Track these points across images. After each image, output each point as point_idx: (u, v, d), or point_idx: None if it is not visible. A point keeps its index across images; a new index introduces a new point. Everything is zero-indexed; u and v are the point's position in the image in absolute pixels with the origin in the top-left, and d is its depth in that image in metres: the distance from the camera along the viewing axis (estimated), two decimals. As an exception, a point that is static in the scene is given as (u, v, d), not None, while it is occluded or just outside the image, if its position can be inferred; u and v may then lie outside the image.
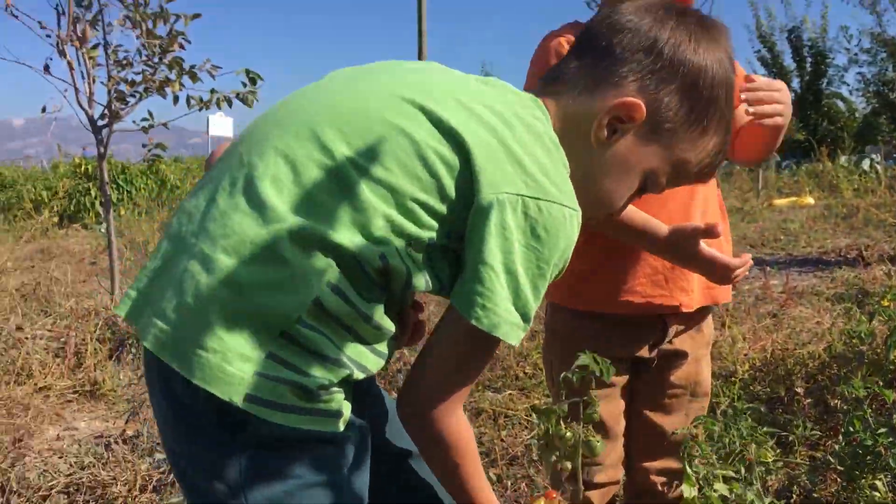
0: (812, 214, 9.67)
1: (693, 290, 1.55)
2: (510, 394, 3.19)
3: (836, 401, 2.79)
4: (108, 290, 4.76)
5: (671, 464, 1.64)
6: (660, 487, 1.67)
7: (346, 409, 0.98)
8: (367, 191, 0.93)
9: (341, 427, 0.97)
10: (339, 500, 0.98)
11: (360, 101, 1.01)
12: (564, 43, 1.50)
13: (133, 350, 3.92)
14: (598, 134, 1.07)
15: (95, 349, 3.78)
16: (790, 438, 2.59)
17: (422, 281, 0.99)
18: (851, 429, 2.24)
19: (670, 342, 1.62)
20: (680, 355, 1.63)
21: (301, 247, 0.92)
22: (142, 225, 10.23)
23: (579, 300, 1.56)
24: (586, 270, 1.49)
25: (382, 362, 1.00)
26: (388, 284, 0.97)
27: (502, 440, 2.78)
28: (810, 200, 10.61)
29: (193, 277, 0.93)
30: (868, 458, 2.12)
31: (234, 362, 0.91)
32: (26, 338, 4.17)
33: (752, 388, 3.18)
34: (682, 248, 1.43)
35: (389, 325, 0.99)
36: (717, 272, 1.45)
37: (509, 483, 2.45)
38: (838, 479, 2.23)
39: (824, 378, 3.08)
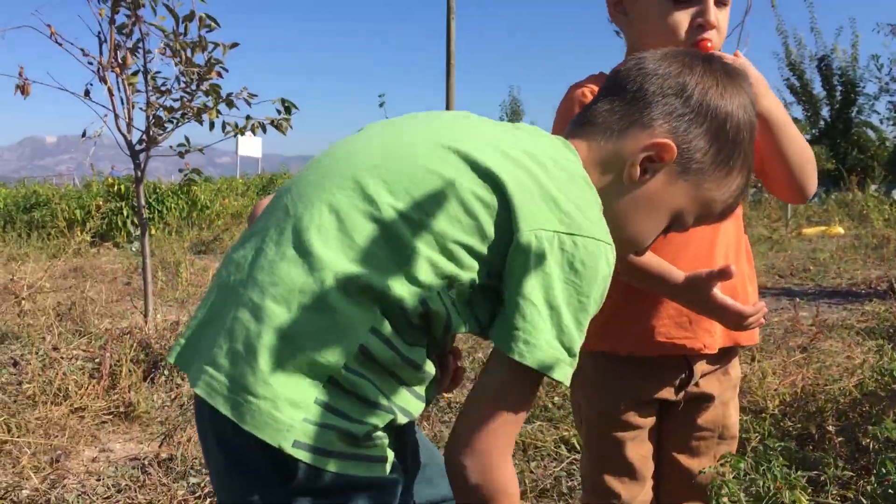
0: (842, 244, 9.61)
1: (716, 332, 1.56)
2: (539, 425, 3.20)
3: (867, 440, 2.78)
4: (142, 312, 4.84)
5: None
6: None
7: (391, 453, 1.01)
8: (409, 236, 0.97)
9: (388, 471, 1.00)
10: None
11: (400, 149, 1.05)
12: (588, 94, 1.52)
13: (166, 372, 3.98)
14: (630, 173, 1.12)
15: (130, 370, 3.84)
16: (822, 478, 2.58)
17: (461, 323, 1.02)
18: (884, 469, 2.24)
19: (696, 384, 1.62)
20: (707, 398, 1.63)
21: (347, 294, 0.95)
22: (172, 245, 10.40)
23: (604, 342, 1.54)
24: (610, 312, 1.50)
25: (423, 406, 1.03)
26: (429, 328, 1.00)
27: (531, 472, 2.80)
28: (840, 230, 10.54)
29: (243, 325, 0.97)
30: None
31: (283, 409, 0.93)
32: (62, 358, 4.25)
33: (782, 423, 3.17)
34: (697, 293, 1.44)
35: (431, 370, 1.02)
36: (731, 318, 1.46)
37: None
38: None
39: (855, 416, 3.06)
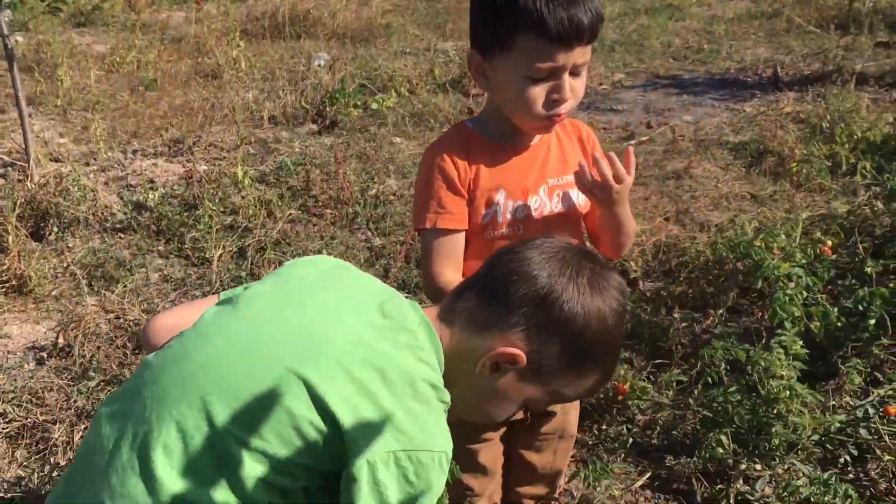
0: (739, 12, 9.62)
1: None
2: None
3: (708, 321, 3.12)
4: (22, 145, 4.65)
5: (540, 490, 1.95)
6: None
7: None
8: (245, 460, 1.08)
9: None
10: None
11: (252, 367, 1.13)
12: (449, 161, 1.57)
13: (55, 229, 3.98)
14: (482, 370, 1.23)
15: (17, 228, 3.83)
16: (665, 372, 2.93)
17: None
18: (710, 380, 2.58)
19: None
20: (550, 413, 1.86)
21: None
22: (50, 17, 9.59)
23: None
24: None
25: None
26: None
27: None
28: (740, -10, 10.46)
29: None
30: (717, 415, 2.47)
31: None
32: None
33: (640, 286, 3.49)
34: None
35: None
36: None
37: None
38: (696, 426, 2.58)
39: (705, 284, 3.39)
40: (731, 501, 2.25)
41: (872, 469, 2.43)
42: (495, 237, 1.64)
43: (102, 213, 4.18)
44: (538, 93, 1.53)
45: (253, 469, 1.08)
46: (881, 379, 2.64)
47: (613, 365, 1.31)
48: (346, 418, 1.09)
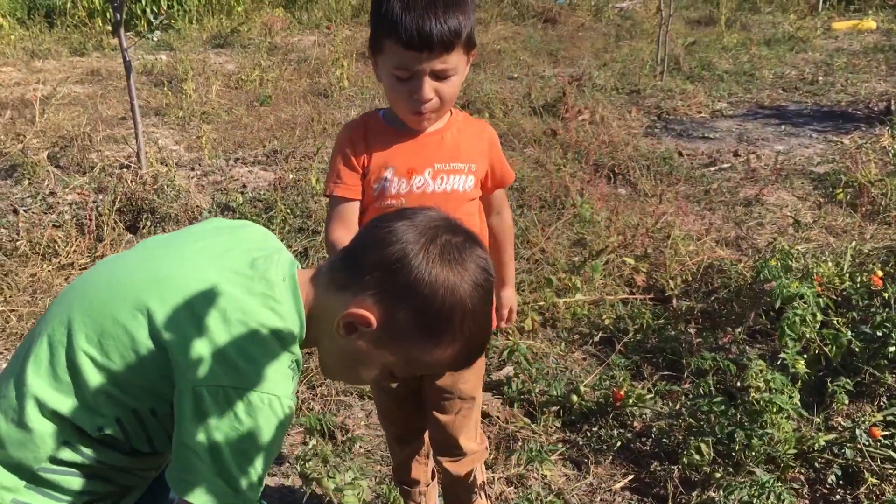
0: (867, 44, 9.27)
1: None
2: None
3: (725, 339, 3.13)
4: (135, 151, 5.16)
5: (454, 459, 2.11)
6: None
7: None
8: (93, 373, 1.25)
9: None
10: None
11: (108, 298, 1.30)
12: (349, 141, 1.85)
13: (149, 223, 4.41)
14: (337, 330, 1.26)
15: (115, 221, 4.29)
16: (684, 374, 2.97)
17: (141, 444, 1.31)
18: (701, 391, 2.61)
19: None
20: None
21: (42, 415, 1.26)
22: (192, 34, 10.47)
23: None
24: None
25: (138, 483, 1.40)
26: (114, 444, 1.29)
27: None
28: (872, 24, 10.07)
29: None
30: (701, 422, 2.51)
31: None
32: (58, 202, 4.71)
33: (681, 304, 3.52)
34: None
35: (147, 463, 1.35)
36: None
37: (421, 404, 2.93)
38: (683, 434, 2.62)
39: (737, 306, 3.38)
40: (694, 505, 2.28)
41: (862, 493, 2.39)
42: (383, 207, 1.82)
43: (192, 212, 4.59)
44: (401, 91, 1.73)
45: (99, 383, 1.24)
46: (884, 405, 2.59)
47: (477, 339, 1.28)
48: (177, 348, 1.21)
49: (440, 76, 1.70)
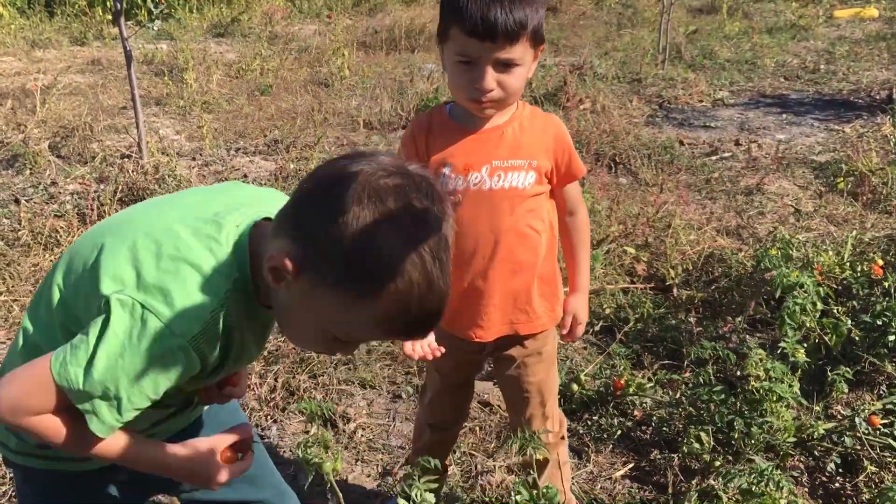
0: (868, 33, 9.24)
1: (489, 326, 1.93)
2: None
3: (726, 328, 3.14)
4: (136, 140, 5.16)
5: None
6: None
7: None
8: (58, 306, 1.29)
9: (84, 468, 1.40)
10: None
11: (84, 240, 1.34)
12: (411, 135, 1.89)
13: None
14: (267, 277, 1.17)
15: (116, 210, 4.29)
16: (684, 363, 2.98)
17: None
18: (701, 380, 2.62)
19: (499, 353, 2.03)
20: (509, 360, 2.03)
21: (27, 354, 1.29)
22: (193, 23, 10.45)
23: None
24: None
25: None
26: None
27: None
28: (874, 12, 10.03)
29: None
30: (701, 411, 2.52)
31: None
32: (59, 192, 4.72)
33: (682, 293, 3.52)
34: None
35: None
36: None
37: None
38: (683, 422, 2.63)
39: (737, 295, 3.39)
40: (693, 495, 2.29)
41: (861, 480, 2.41)
42: None
43: (193, 201, 4.59)
44: (463, 78, 1.73)
45: (63, 315, 1.28)
46: (884, 393, 2.60)
47: (416, 301, 1.12)
48: (105, 269, 1.21)
49: (503, 67, 1.70)
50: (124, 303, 1.17)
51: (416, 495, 1.77)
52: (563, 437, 2.19)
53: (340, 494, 2.03)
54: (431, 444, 2.22)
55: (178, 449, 1.34)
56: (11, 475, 2.05)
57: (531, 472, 1.85)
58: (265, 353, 3.12)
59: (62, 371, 1.18)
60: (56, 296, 1.30)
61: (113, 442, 1.26)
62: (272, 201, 1.38)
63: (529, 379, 2.04)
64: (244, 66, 8.01)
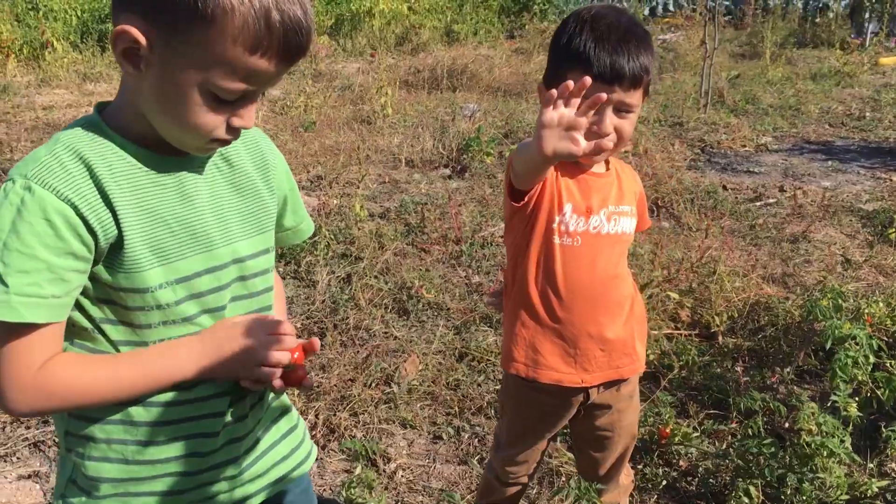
0: (915, 80, 9.18)
1: (594, 369, 1.90)
2: (478, 329, 3.60)
3: (773, 378, 3.08)
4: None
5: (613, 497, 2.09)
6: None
7: None
8: None
9: None
10: None
11: None
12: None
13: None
14: (123, 67, 1.10)
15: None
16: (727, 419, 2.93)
17: None
18: (749, 431, 2.57)
19: (597, 398, 1.99)
20: (604, 407, 2.00)
21: None
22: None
23: (520, 368, 1.90)
24: (525, 345, 1.89)
25: None
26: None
27: (478, 385, 3.23)
28: (920, 60, 9.96)
29: None
30: (750, 464, 2.46)
31: None
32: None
33: (727, 341, 3.47)
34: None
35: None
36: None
37: (465, 437, 2.92)
38: (731, 475, 2.58)
39: (785, 345, 3.33)
40: (743, 549, 2.24)
41: (916, 543, 2.33)
42: (552, 243, 1.82)
43: (238, 235, 4.65)
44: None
45: None
46: (941, 452, 2.53)
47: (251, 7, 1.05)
48: None
49: (622, 112, 1.72)
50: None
51: None
52: (632, 481, 2.18)
53: (385, 536, 2.03)
54: (502, 501, 2.19)
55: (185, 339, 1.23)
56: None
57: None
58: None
59: None
60: None
61: (61, 369, 1.14)
62: None
63: (622, 423, 2.03)
64: (289, 102, 8.15)
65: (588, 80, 1.44)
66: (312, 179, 5.85)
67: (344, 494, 2.05)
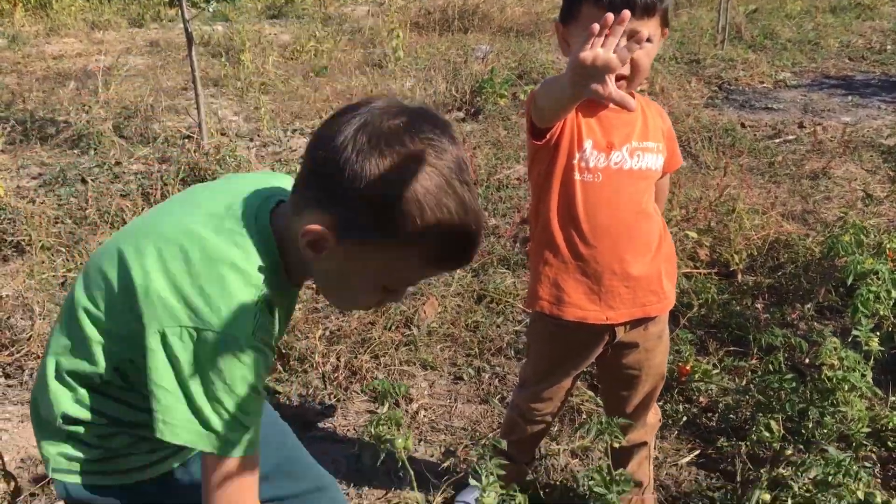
0: (939, 11, 8.96)
1: (620, 307, 1.89)
2: (496, 271, 3.60)
3: (794, 315, 3.07)
4: (196, 121, 5.23)
5: (639, 435, 2.12)
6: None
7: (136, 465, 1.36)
8: (86, 324, 1.24)
9: (133, 479, 1.37)
10: None
11: (102, 250, 1.30)
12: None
13: (210, 192, 4.47)
14: (305, 254, 1.18)
15: (178, 191, 4.36)
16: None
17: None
18: (770, 367, 2.57)
19: (624, 337, 1.98)
20: (630, 345, 2.00)
21: (56, 377, 1.30)
22: (247, 4, 10.52)
23: (546, 306, 1.90)
24: (549, 283, 1.88)
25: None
26: (119, 395, 1.30)
27: (497, 326, 3.24)
28: (944, -10, 9.70)
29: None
30: (770, 399, 2.47)
31: (44, 448, 1.34)
32: (123, 172, 4.80)
33: (747, 279, 3.46)
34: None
35: (138, 418, 1.31)
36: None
37: (486, 377, 2.95)
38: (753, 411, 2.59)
39: (805, 281, 3.32)
40: (763, 483, 2.26)
41: (937, 473, 2.35)
42: (572, 179, 1.81)
43: (253, 182, 4.64)
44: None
45: (92, 332, 1.24)
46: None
47: (453, 228, 1.12)
48: (141, 289, 1.17)
49: (634, 40, 1.67)
50: (179, 335, 1.14)
51: (485, 476, 1.78)
52: (660, 420, 2.20)
53: (412, 472, 2.06)
54: (526, 438, 2.20)
55: None
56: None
57: (607, 457, 1.84)
58: (327, 332, 3.15)
59: (171, 431, 1.17)
60: (82, 314, 1.26)
61: None
62: (275, 181, 1.37)
63: (651, 363, 2.03)
64: (299, 47, 8.06)
65: (610, 16, 1.41)
66: (326, 125, 5.81)
67: (372, 431, 2.07)
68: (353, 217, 1.12)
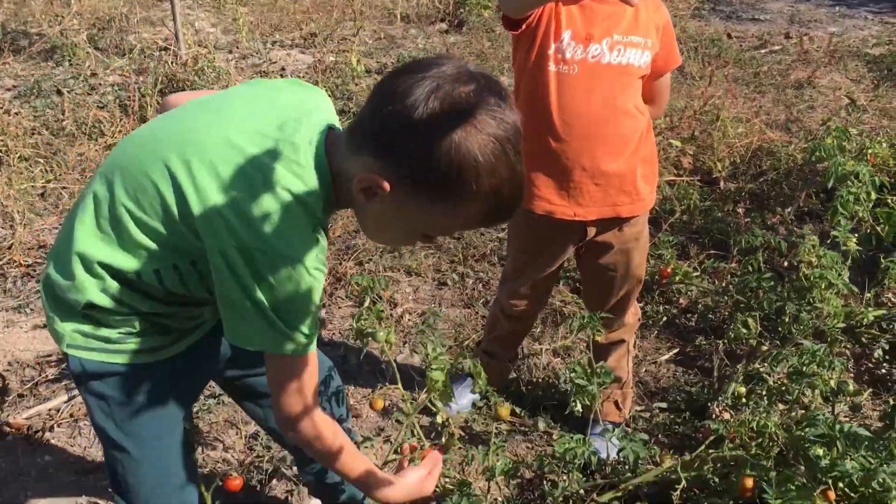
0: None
1: (589, 205, 1.90)
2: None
3: (774, 219, 3.10)
4: (173, 32, 5.11)
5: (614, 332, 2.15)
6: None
7: (147, 346, 1.41)
8: (131, 226, 1.28)
9: (142, 360, 1.42)
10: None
11: (142, 155, 1.30)
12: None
13: (190, 104, 4.40)
14: (356, 195, 1.22)
15: (157, 102, 4.29)
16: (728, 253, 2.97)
17: (178, 287, 1.34)
18: (749, 268, 2.61)
19: (594, 238, 2.00)
20: (606, 246, 2.01)
21: (84, 267, 1.32)
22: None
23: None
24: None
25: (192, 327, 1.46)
26: (151, 291, 1.34)
27: (481, 234, 3.25)
28: None
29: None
30: (749, 298, 2.52)
31: (58, 325, 1.39)
32: (100, 84, 4.71)
33: (729, 186, 3.48)
34: None
35: (171, 311, 1.39)
36: None
37: (469, 282, 2.97)
38: (730, 310, 2.64)
39: (787, 187, 3.34)
40: (739, 377, 2.32)
41: (908, 368, 2.41)
42: (546, 70, 1.80)
43: (233, 93, 4.57)
44: None
45: (138, 236, 1.28)
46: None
47: (502, 194, 1.18)
48: (197, 208, 1.21)
49: None
50: (244, 254, 1.21)
51: (431, 349, 1.81)
52: (639, 319, 2.23)
53: (395, 365, 2.09)
54: (507, 335, 2.25)
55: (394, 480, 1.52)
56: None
57: (588, 352, 1.87)
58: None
59: (288, 347, 1.28)
60: (126, 216, 1.28)
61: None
62: (321, 101, 1.40)
63: (629, 264, 2.04)
64: (277, -43, 7.82)
65: None
66: (306, 37, 5.70)
67: (354, 326, 2.10)
68: (412, 175, 1.17)
